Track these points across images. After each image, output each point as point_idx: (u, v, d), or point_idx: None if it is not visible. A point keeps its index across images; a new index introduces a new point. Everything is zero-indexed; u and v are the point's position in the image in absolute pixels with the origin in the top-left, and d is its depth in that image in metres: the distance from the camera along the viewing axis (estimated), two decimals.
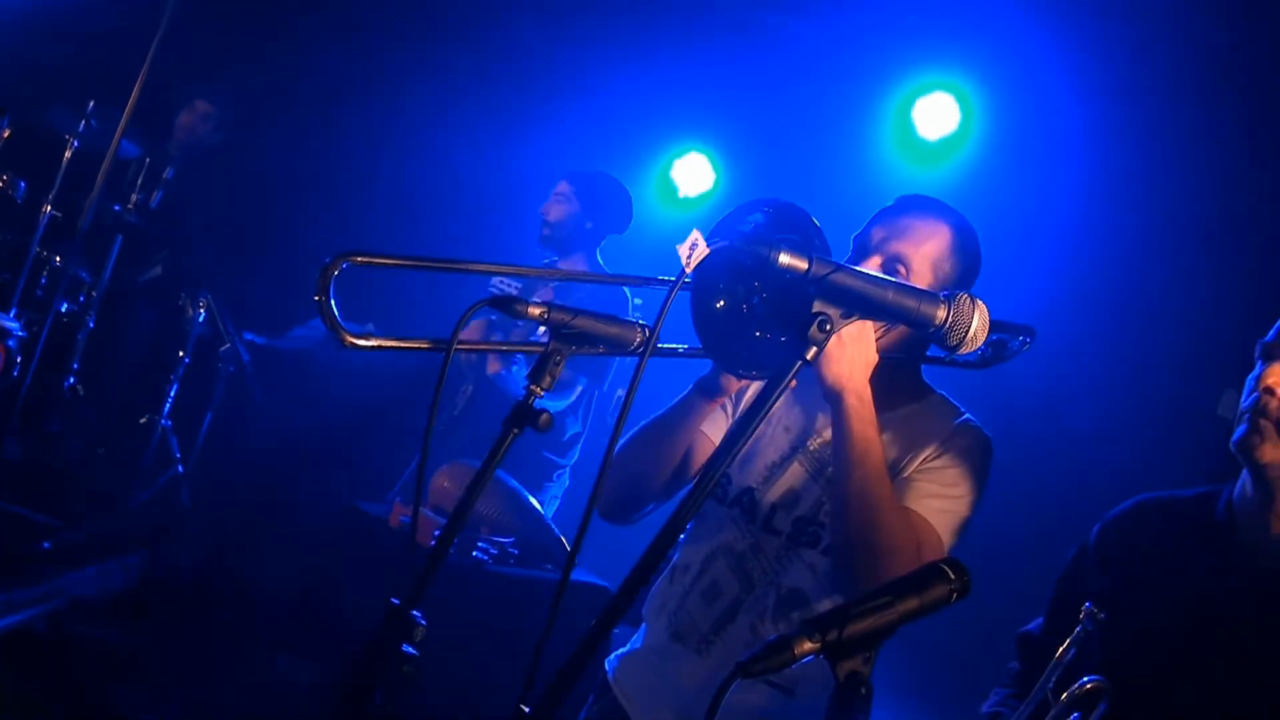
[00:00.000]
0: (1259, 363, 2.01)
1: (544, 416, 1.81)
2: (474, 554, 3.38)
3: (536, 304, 1.79)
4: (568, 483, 4.87)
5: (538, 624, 3.42)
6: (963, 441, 2.32)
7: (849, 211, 2.56)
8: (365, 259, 1.75)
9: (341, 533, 3.84)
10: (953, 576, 1.37)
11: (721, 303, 1.85)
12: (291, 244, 6.00)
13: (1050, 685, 1.88)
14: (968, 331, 1.56)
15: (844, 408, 2.11)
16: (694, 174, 6.73)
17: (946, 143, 5.77)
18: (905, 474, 2.27)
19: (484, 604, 3.34)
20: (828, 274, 1.52)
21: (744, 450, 2.47)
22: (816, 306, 1.53)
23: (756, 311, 1.83)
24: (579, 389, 4.73)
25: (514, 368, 4.57)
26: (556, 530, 3.76)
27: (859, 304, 1.54)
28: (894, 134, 5.93)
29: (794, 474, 2.40)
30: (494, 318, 4.53)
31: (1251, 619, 1.95)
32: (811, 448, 2.41)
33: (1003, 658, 2.43)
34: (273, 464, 5.23)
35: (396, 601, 1.77)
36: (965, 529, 2.27)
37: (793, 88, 6.12)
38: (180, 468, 5.74)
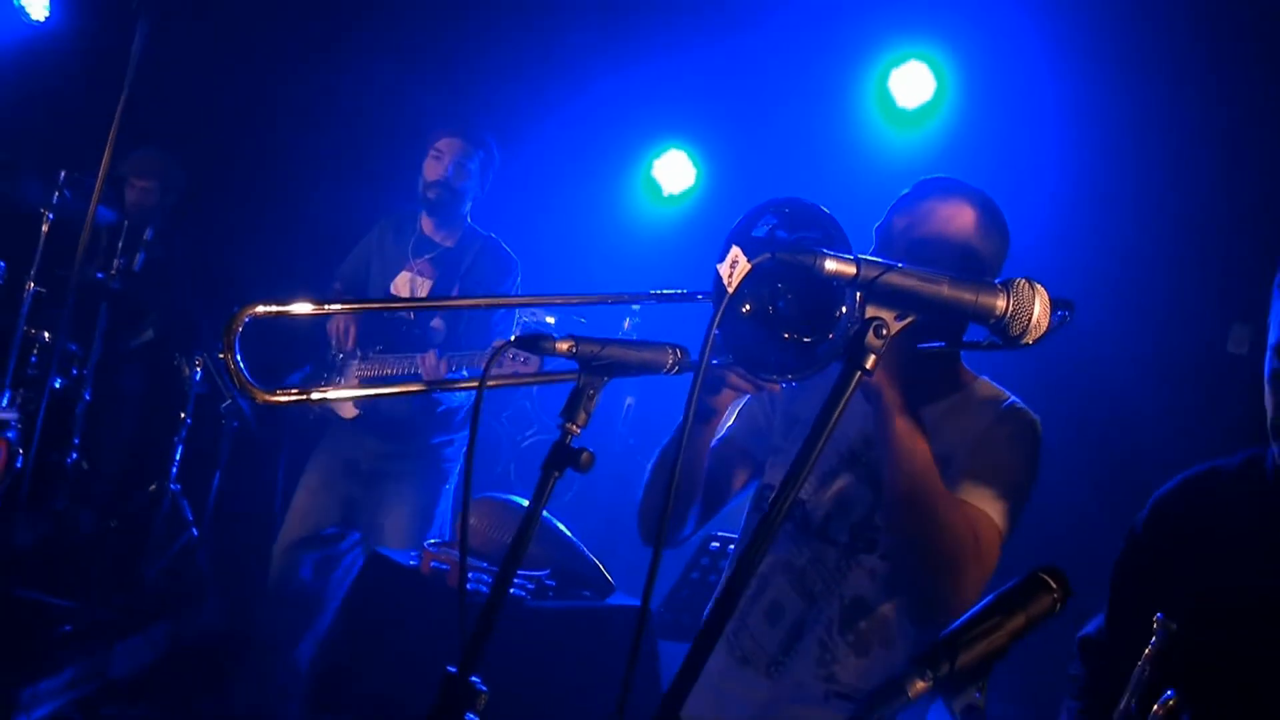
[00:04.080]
0: None
1: (585, 455, 1.73)
2: (510, 591, 3.27)
3: (565, 338, 1.71)
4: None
5: (583, 654, 3.35)
6: (1010, 426, 2.25)
7: (838, 187, 2.50)
8: (270, 309, 1.64)
9: (368, 583, 3.73)
10: (1054, 585, 1.29)
11: (747, 307, 1.75)
12: (278, 289, 5.89)
13: (1133, 709, 1.78)
14: (1030, 319, 1.47)
15: (883, 407, 2.05)
16: (675, 171, 6.66)
17: (924, 109, 5.73)
18: (956, 466, 2.19)
19: (527, 640, 3.24)
20: (878, 276, 1.42)
21: (784, 458, 2.42)
22: (869, 311, 1.43)
23: (783, 313, 1.74)
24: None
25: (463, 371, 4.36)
26: (590, 555, 3.66)
27: (913, 303, 1.44)
28: (874, 105, 5.88)
29: (843, 481, 2.34)
30: None
31: None
32: (858, 452, 2.34)
33: (1055, 643, 2.32)
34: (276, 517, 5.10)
35: (453, 669, 1.68)
36: (1021, 514, 2.20)
37: (766, 74, 6.07)
38: (194, 531, 5.64)
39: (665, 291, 1.89)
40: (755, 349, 1.76)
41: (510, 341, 1.71)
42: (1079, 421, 4.54)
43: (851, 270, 1.42)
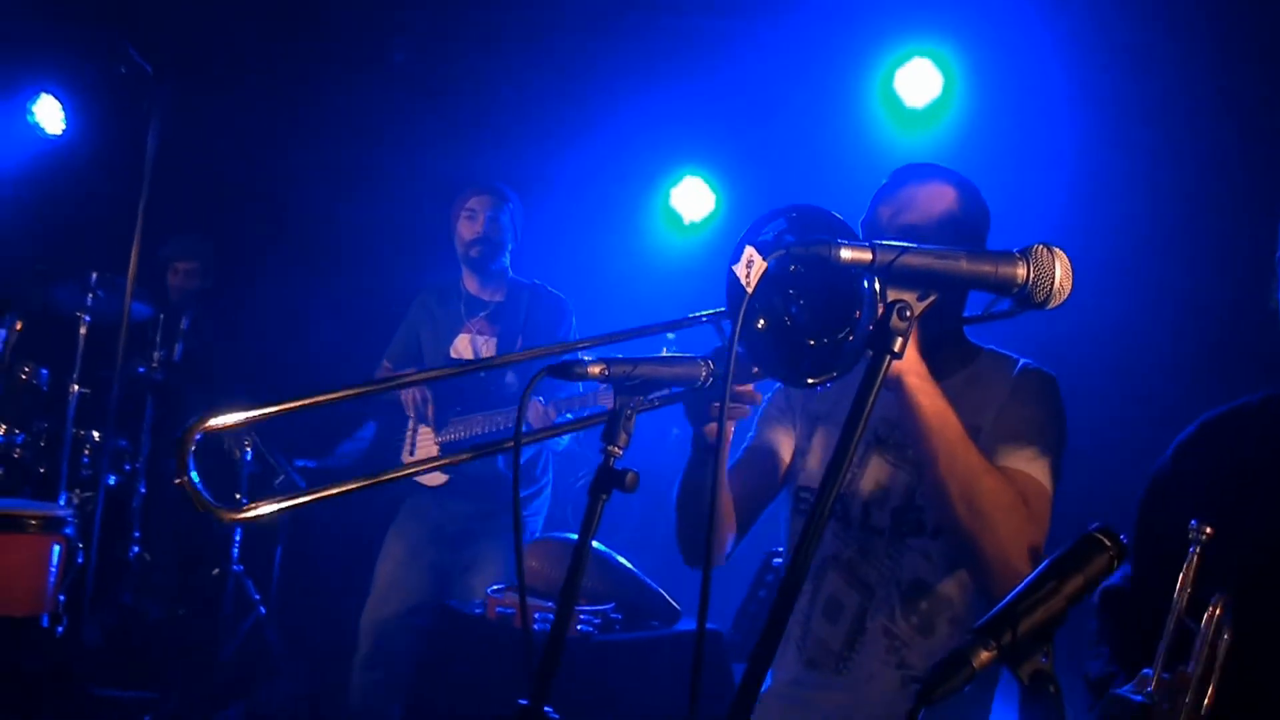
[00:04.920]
0: None
1: (629, 476, 1.74)
2: (578, 628, 3.29)
3: (595, 363, 1.73)
4: (548, 499, 4.81)
5: (657, 683, 3.35)
6: (1030, 386, 2.29)
7: (860, 194, 2.52)
8: (221, 423, 1.64)
9: (437, 636, 3.75)
10: (1108, 544, 1.28)
11: (763, 322, 1.75)
12: (318, 361, 5.97)
13: (1186, 622, 1.76)
14: (1053, 283, 1.47)
15: (907, 389, 2.04)
16: (694, 199, 6.65)
17: (933, 107, 5.70)
18: (985, 436, 2.21)
19: (599, 675, 3.25)
20: (895, 259, 1.42)
21: (817, 460, 2.44)
22: (891, 295, 1.43)
23: (799, 320, 1.73)
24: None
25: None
26: (653, 584, 3.66)
27: (934, 282, 1.45)
28: (884, 108, 5.84)
29: (875, 468, 2.36)
30: None
31: None
32: (883, 437, 2.36)
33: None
34: (351, 583, 5.13)
35: (524, 702, 1.69)
36: (1061, 467, 2.22)
37: (775, 92, 6.05)
38: (261, 609, 5.68)
39: (685, 318, 1.93)
40: (783, 360, 1.76)
41: (542, 371, 1.72)
42: (1108, 413, 4.53)
43: (868, 256, 1.43)
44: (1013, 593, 1.25)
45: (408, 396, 4.62)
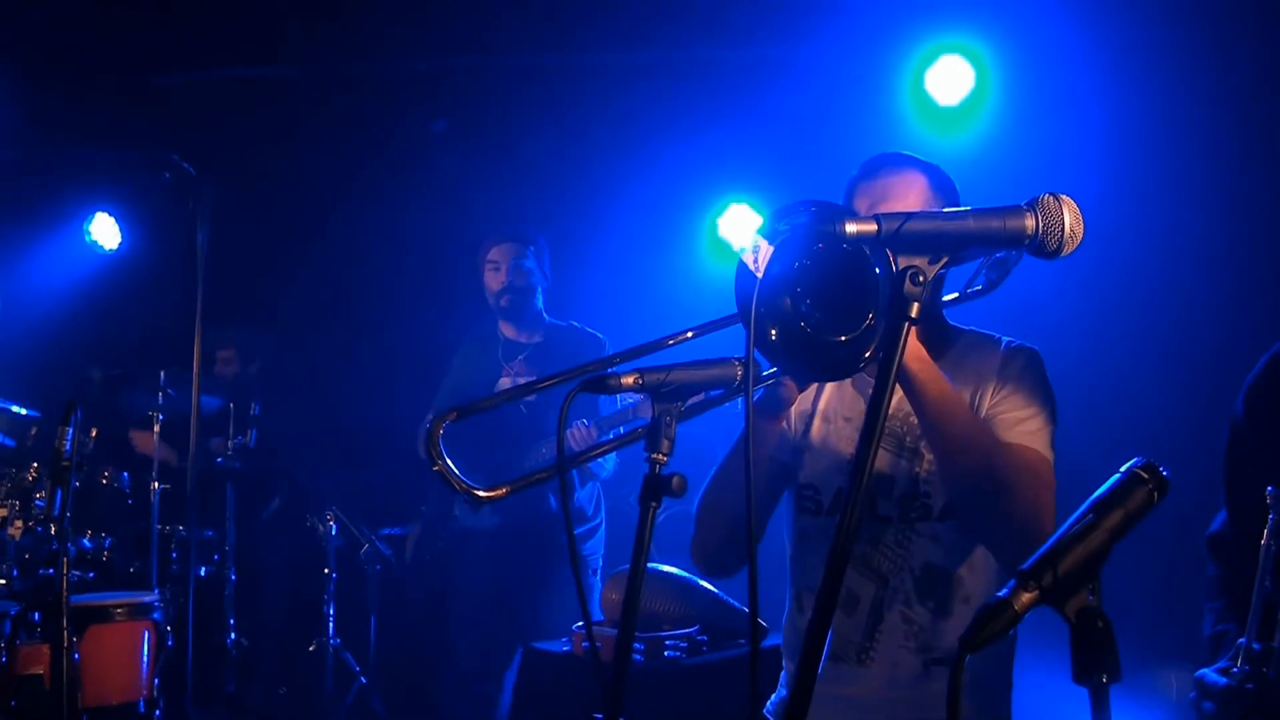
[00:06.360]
0: None
1: (676, 480, 1.75)
2: (665, 654, 3.30)
3: (629, 373, 1.75)
4: (603, 538, 4.83)
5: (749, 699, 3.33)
6: (1018, 362, 2.32)
7: None
8: (464, 411, 1.87)
9: (527, 680, 3.76)
10: (1147, 476, 1.28)
11: (774, 331, 1.73)
12: (390, 428, 6.05)
13: (1268, 585, 1.75)
14: (1064, 230, 1.46)
15: (913, 377, 2.07)
16: (742, 226, 6.63)
17: (967, 104, 5.66)
18: (981, 415, 2.25)
19: (693, 698, 3.26)
20: (899, 226, 1.43)
21: (816, 456, 2.44)
22: (902, 262, 1.44)
23: (814, 318, 1.71)
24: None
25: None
26: (735, 602, 3.66)
27: (943, 244, 1.45)
28: (918, 113, 5.81)
29: (877, 459, 2.33)
30: None
31: None
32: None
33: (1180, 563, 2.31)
34: (446, 643, 5.16)
35: (599, 717, 1.70)
36: (1056, 437, 2.26)
37: (814, 109, 6.01)
38: (363, 679, 5.75)
39: (687, 330, 2.00)
40: (812, 361, 1.74)
41: (577, 388, 1.75)
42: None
43: (872, 227, 1.43)
44: (1055, 534, 1.25)
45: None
